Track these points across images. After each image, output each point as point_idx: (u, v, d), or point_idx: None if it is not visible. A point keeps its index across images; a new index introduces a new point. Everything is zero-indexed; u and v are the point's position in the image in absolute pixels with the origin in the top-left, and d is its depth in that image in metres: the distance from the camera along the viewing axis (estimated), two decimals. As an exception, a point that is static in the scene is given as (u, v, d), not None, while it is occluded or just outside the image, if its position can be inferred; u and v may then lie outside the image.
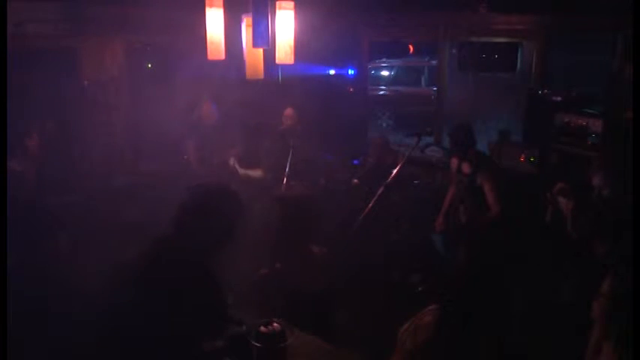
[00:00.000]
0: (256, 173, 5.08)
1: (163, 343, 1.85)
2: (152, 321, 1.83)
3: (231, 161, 5.10)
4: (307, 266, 2.62)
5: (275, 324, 2.10)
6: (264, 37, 2.79)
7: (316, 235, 2.74)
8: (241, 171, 5.04)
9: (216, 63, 3.14)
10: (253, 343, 2.03)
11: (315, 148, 5.36)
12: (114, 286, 1.96)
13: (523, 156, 5.01)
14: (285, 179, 4.90)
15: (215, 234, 2.11)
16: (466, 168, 4.25)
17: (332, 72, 6.76)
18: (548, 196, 3.10)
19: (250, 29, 2.84)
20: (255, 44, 2.83)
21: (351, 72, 6.81)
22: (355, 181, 5.18)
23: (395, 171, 4.55)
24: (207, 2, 3.01)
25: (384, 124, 11.41)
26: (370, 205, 4.57)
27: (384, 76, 12.22)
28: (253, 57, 3.09)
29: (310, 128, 5.42)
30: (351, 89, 6.90)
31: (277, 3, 2.85)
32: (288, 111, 5.33)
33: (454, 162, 4.45)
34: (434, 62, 9.51)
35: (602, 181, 2.86)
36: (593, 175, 2.92)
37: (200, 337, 2.00)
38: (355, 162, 5.71)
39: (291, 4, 2.89)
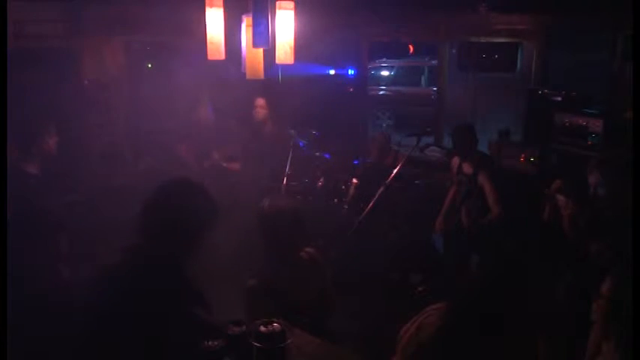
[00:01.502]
0: (235, 166, 5.20)
1: (162, 343, 1.84)
2: (149, 322, 1.83)
3: (215, 156, 5.22)
4: (297, 272, 2.60)
5: (275, 324, 2.10)
6: (264, 37, 2.79)
7: (303, 242, 2.70)
8: (224, 164, 5.18)
9: (216, 63, 3.13)
10: (253, 343, 2.03)
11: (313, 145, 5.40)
12: (107, 287, 1.94)
13: (523, 156, 5.01)
14: (285, 179, 4.92)
15: (186, 233, 2.00)
16: (467, 168, 4.25)
17: (332, 72, 6.76)
18: (547, 192, 3.11)
19: (250, 29, 2.84)
20: (255, 44, 2.82)
21: (351, 72, 6.81)
22: (355, 180, 5.18)
23: (395, 171, 4.55)
24: (207, 2, 3.00)
25: (384, 124, 11.41)
26: (370, 205, 4.57)
27: (384, 76, 12.23)
28: (253, 57, 3.09)
29: (309, 126, 5.45)
30: (351, 89, 6.90)
31: (277, 3, 2.85)
32: (260, 101, 5.30)
33: (455, 162, 4.44)
34: (434, 62, 9.52)
35: (599, 180, 2.86)
36: (589, 172, 2.92)
37: (196, 340, 1.99)
38: (355, 162, 5.71)
39: (291, 4, 2.89)
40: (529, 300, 1.77)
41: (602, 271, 2.45)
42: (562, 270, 3.14)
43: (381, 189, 4.54)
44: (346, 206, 5.12)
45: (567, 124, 4.78)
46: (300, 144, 5.24)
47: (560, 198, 3.01)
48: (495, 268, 1.95)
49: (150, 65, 6.37)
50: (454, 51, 6.63)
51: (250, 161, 5.22)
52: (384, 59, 12.14)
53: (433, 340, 1.86)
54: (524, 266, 1.83)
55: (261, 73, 3.11)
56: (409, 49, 12.56)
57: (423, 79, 11.63)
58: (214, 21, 3.01)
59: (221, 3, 3.01)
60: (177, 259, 2.01)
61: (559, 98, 5.01)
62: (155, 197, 2.03)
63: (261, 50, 3.04)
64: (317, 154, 5.44)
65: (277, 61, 2.90)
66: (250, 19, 2.80)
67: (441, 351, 1.82)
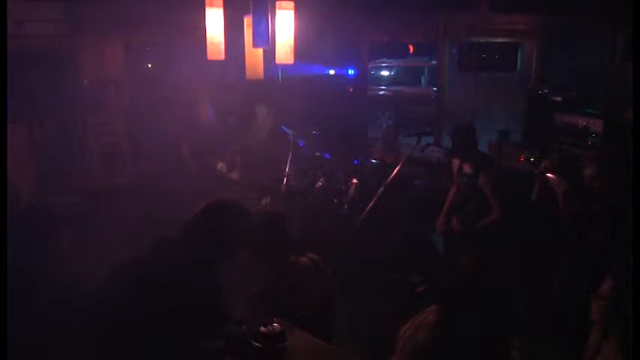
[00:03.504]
0: (235, 175, 5.18)
1: (163, 343, 1.84)
2: (152, 321, 1.83)
3: (220, 166, 5.18)
4: (296, 278, 2.58)
5: (275, 324, 2.10)
6: (264, 37, 2.79)
7: (287, 248, 2.68)
8: (229, 175, 5.15)
9: (215, 63, 3.13)
10: (253, 343, 2.03)
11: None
12: (113, 286, 1.94)
13: (523, 156, 5.01)
14: (285, 179, 4.92)
15: (224, 250, 2.19)
16: (468, 169, 4.23)
17: (332, 72, 6.76)
18: (536, 172, 3.13)
19: (250, 29, 2.84)
20: (255, 44, 2.82)
21: (351, 72, 6.81)
22: (355, 180, 5.18)
23: (395, 171, 4.55)
24: (207, 2, 3.00)
25: (384, 124, 11.39)
26: (370, 205, 4.57)
27: (384, 76, 12.21)
28: (253, 57, 3.09)
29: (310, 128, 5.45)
30: (351, 89, 6.90)
31: (277, 3, 2.85)
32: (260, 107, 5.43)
33: (456, 163, 4.43)
34: (434, 62, 9.51)
35: (594, 173, 2.87)
36: (584, 167, 2.93)
37: (200, 338, 2.00)
38: (355, 162, 5.71)
39: (291, 4, 2.89)
40: (525, 298, 1.77)
41: (603, 259, 2.45)
42: (561, 263, 3.15)
43: (381, 189, 4.54)
44: (346, 206, 5.12)
45: (567, 124, 4.79)
46: (300, 144, 5.24)
47: (551, 176, 3.03)
48: (488, 267, 1.95)
49: (150, 65, 6.37)
50: (454, 51, 6.61)
51: (250, 168, 5.20)
52: (384, 59, 12.12)
53: (429, 339, 1.86)
54: (520, 265, 1.83)
55: (261, 73, 3.11)
56: (409, 49, 12.55)
57: (423, 79, 11.60)
58: (214, 21, 3.01)
59: (221, 3, 3.00)
60: (211, 264, 2.16)
61: (559, 98, 5.01)
62: (213, 206, 2.29)
63: (261, 50, 3.04)
64: (317, 154, 5.44)
65: (277, 61, 2.90)
66: (250, 19, 2.80)
67: (437, 350, 1.83)
